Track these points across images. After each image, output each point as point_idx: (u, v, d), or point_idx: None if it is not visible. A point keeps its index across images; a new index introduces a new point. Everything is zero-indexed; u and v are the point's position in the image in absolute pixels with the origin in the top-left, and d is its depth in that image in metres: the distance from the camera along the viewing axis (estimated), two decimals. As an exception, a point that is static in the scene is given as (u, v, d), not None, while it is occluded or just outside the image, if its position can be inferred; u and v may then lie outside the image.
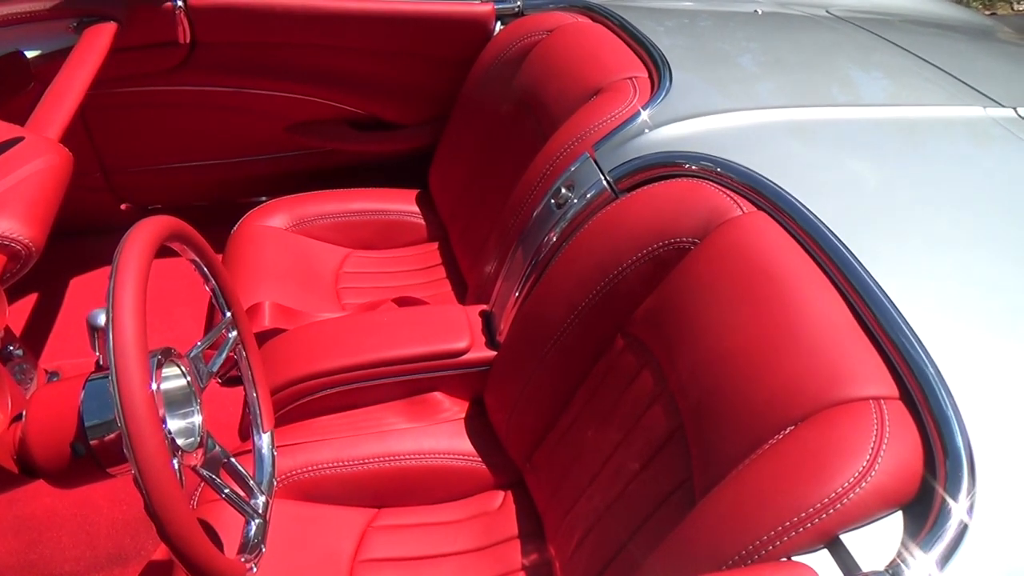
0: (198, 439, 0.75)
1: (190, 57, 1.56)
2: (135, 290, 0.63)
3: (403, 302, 1.42)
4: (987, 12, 3.76)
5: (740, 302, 0.83)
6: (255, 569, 0.76)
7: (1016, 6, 3.88)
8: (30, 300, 1.65)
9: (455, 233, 1.59)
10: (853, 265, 0.80)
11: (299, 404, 1.17)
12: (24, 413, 0.72)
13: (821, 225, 0.84)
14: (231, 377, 1.34)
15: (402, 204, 1.68)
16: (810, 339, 0.75)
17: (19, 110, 1.15)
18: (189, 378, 0.77)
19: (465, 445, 1.17)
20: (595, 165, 1.08)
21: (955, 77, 1.23)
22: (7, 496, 1.18)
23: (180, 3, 1.47)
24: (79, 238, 1.72)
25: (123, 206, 1.82)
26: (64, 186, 1.02)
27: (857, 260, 0.80)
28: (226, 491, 0.76)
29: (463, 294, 1.50)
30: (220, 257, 0.92)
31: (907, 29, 1.58)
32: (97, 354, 0.81)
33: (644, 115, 1.12)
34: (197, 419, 0.76)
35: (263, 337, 1.32)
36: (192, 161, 1.76)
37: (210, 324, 1.52)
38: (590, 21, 1.43)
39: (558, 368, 1.06)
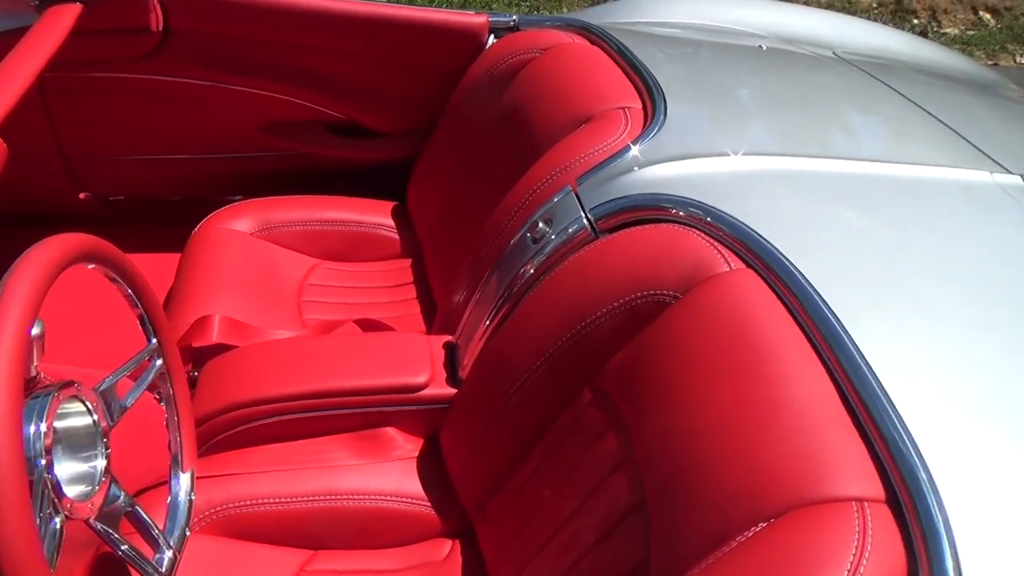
0: (96, 487, 0.67)
1: (162, 45, 1.47)
2: (15, 327, 0.54)
3: (366, 325, 1.33)
4: (990, 63, 3.74)
5: (718, 370, 0.76)
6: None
7: (1019, 59, 3.87)
8: None
9: (429, 252, 1.51)
10: (843, 339, 0.72)
11: (238, 431, 1.08)
12: None
13: (812, 291, 0.77)
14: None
15: (377, 216, 1.60)
16: (791, 422, 0.68)
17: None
18: (95, 416, 0.68)
19: (415, 487, 1.08)
20: (577, 200, 1.00)
21: (961, 136, 1.17)
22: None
23: (154, -13, 1.38)
24: (33, 227, 1.62)
25: (82, 195, 1.72)
26: None
27: (847, 334, 0.73)
28: (123, 548, 0.68)
29: (432, 317, 1.42)
30: (142, 277, 0.82)
31: (914, 79, 1.52)
32: None
33: (634, 150, 1.04)
34: (100, 463, 0.68)
35: (209, 353, 1.23)
36: (158, 154, 1.67)
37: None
38: (587, 43, 1.36)
39: (520, 414, 0.98)
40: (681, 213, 0.90)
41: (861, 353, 0.70)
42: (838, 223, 0.93)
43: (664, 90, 1.14)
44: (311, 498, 1.04)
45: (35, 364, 0.72)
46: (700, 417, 0.74)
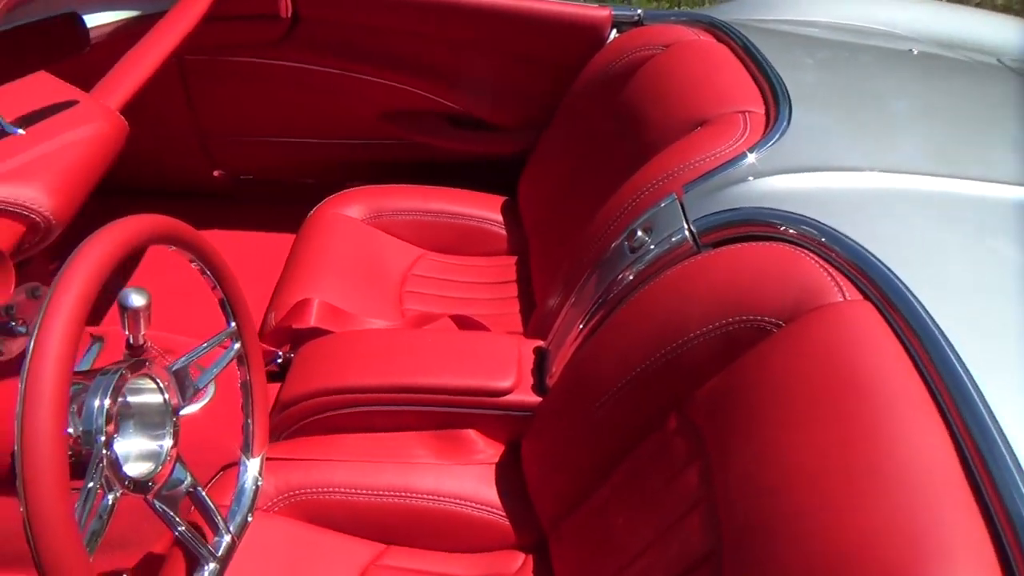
0: (160, 465, 0.67)
1: (291, 32, 1.51)
2: (76, 300, 0.55)
3: (461, 322, 1.31)
4: None
5: (818, 414, 0.67)
6: (189, 629, 0.68)
7: None
8: None
9: (535, 251, 1.47)
10: (971, 396, 0.62)
11: (323, 417, 1.09)
12: None
13: (940, 335, 0.67)
14: (268, 372, 1.28)
15: (486, 211, 1.58)
16: (898, 486, 0.59)
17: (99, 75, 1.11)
18: (167, 395, 0.69)
19: (491, 494, 1.05)
20: (680, 209, 0.93)
21: None
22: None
23: (284, -25, 1.42)
24: (169, 200, 1.73)
25: (216, 172, 1.81)
26: (111, 157, 0.97)
27: (978, 390, 0.62)
28: (180, 529, 0.68)
29: (530, 318, 1.38)
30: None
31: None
32: (127, 334, 0.75)
33: (751, 159, 0.96)
34: (167, 443, 0.68)
35: (307, 335, 1.25)
36: (284, 137, 1.73)
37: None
38: (713, 40, 1.27)
39: (603, 433, 0.93)
40: (791, 231, 0.81)
41: (993, 415, 0.60)
42: (986, 260, 0.80)
43: (791, 95, 1.04)
44: (387, 493, 1.03)
45: (142, 333, 0.75)
46: (791, 466, 0.66)
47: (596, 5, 1.45)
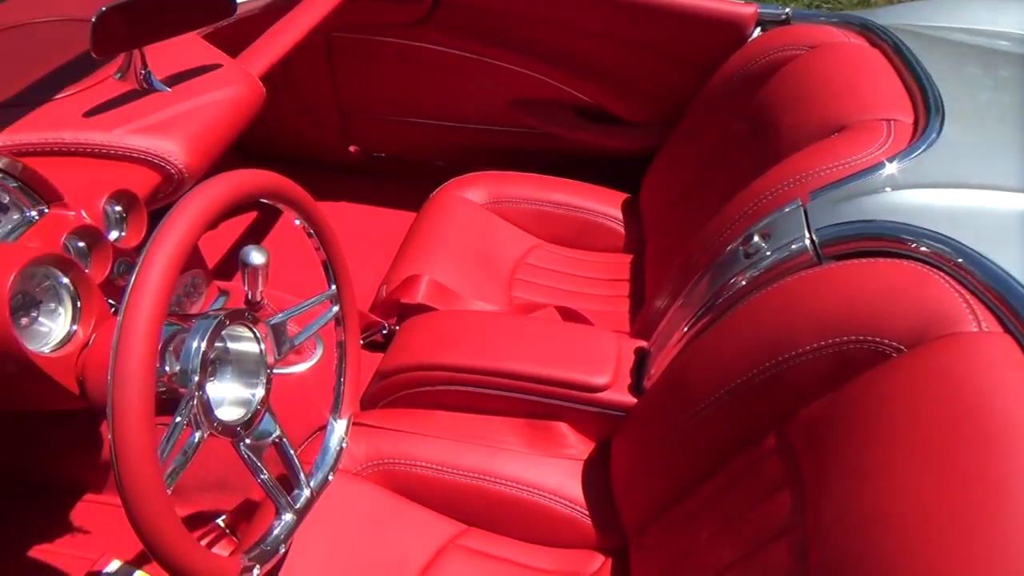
0: (251, 413, 0.70)
1: (432, 14, 1.54)
2: (178, 242, 0.58)
3: (565, 313, 1.30)
4: None
5: (939, 452, 0.60)
6: (258, 572, 0.70)
7: None
8: (244, 219, 1.77)
9: (651, 250, 1.43)
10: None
11: (419, 391, 1.11)
12: (93, 338, 0.72)
13: (1091, 381, 0.59)
14: (372, 342, 1.32)
15: (606, 206, 1.55)
16: (1021, 544, 0.52)
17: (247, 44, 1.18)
18: (263, 346, 0.72)
19: (575, 491, 1.03)
20: (803, 217, 0.87)
21: None
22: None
23: (426, -42, 1.45)
24: (304, 169, 1.82)
25: (351, 148, 1.88)
26: (247, 120, 1.02)
27: None
28: (263, 476, 0.71)
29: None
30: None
31: None
32: (245, 289, 0.80)
33: (890, 168, 0.88)
34: (259, 392, 0.71)
35: (414, 310, 1.28)
36: (418, 118, 1.77)
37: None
38: (865, 44, 1.18)
39: (696, 442, 0.89)
40: (923, 248, 0.73)
41: None
42: None
43: (947, 109, 0.95)
44: (471, 474, 1.04)
45: (260, 290, 0.79)
46: (895, 502, 0.60)
47: (742, 2, 1.39)
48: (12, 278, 0.62)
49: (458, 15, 1.54)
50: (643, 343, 1.11)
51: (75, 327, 0.71)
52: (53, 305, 0.70)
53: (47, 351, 0.68)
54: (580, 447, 1.08)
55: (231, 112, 0.98)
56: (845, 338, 0.72)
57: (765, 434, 0.80)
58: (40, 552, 1.15)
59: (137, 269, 0.56)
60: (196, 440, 0.64)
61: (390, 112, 1.78)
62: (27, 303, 0.68)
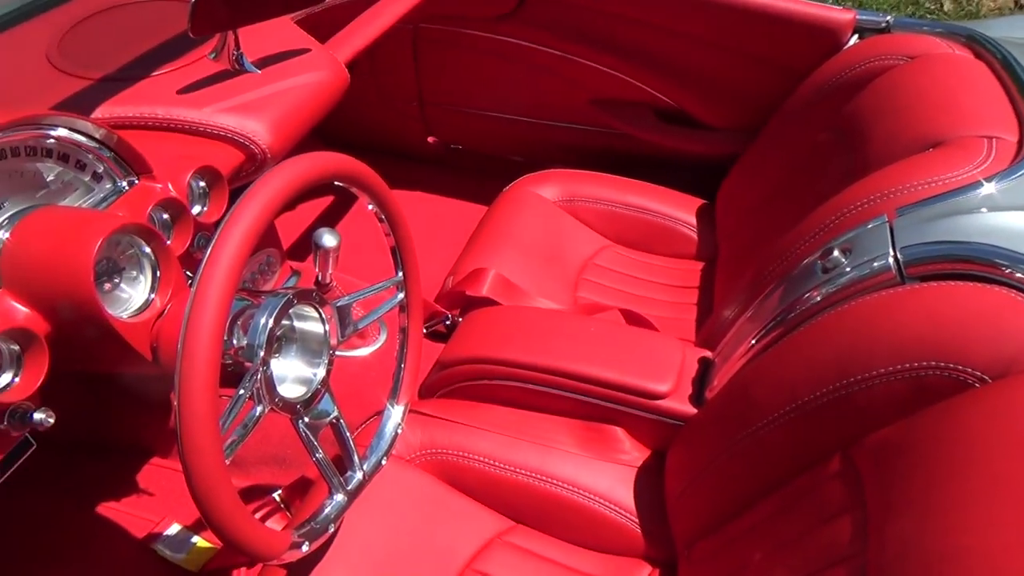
0: (311, 392, 0.71)
1: (519, 8, 1.54)
2: (252, 219, 0.59)
3: (630, 317, 1.28)
4: None
5: (1017, 492, 0.57)
6: (307, 548, 0.71)
7: None
8: (320, 202, 1.81)
9: (723, 259, 1.40)
10: None
11: (476, 384, 1.11)
12: (168, 307, 0.74)
13: None
14: (434, 332, 1.33)
15: (681, 211, 1.52)
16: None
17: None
18: (327, 327, 0.73)
19: (627, 498, 1.01)
20: (889, 233, 0.83)
21: None
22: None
23: (517, -47, 1.45)
24: (382, 157, 1.85)
25: (430, 139, 1.91)
26: (330, 105, 1.04)
27: None
28: (318, 455, 0.72)
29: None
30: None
31: None
32: (316, 270, 0.82)
33: (988, 188, 0.83)
34: (320, 372, 0.72)
35: (478, 303, 1.28)
36: (498, 111, 1.78)
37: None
38: (970, 56, 1.12)
39: (755, 459, 0.86)
40: (1019, 275, 0.69)
41: None
42: None
43: (1057, 124, 0.89)
44: (523, 472, 1.03)
45: (330, 272, 0.80)
46: (965, 541, 0.56)
47: (841, 8, 1.34)
48: (99, 244, 0.65)
49: (545, 11, 1.54)
50: (708, 353, 1.09)
51: (153, 295, 0.73)
52: (135, 273, 0.73)
53: (125, 316, 0.71)
54: (635, 453, 1.06)
55: (316, 97, 1.00)
56: (924, 363, 0.69)
57: (829, 457, 0.77)
58: (106, 510, 1.21)
59: (212, 244, 0.58)
60: (257, 414, 0.66)
61: (471, 105, 1.79)
62: (110, 269, 0.71)
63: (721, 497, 0.90)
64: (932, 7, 3.09)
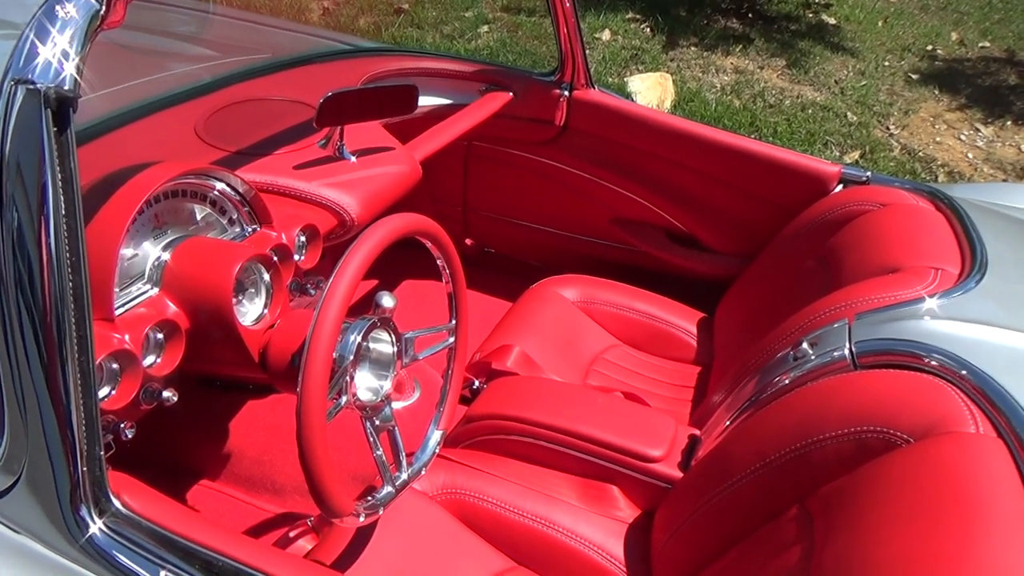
0: (377, 399, 0.90)
1: (559, 137, 1.82)
2: (364, 256, 0.80)
3: (631, 398, 1.46)
4: None
5: (923, 521, 0.73)
6: (362, 519, 0.87)
7: None
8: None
9: (718, 364, 1.58)
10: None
11: (496, 438, 1.28)
12: (277, 322, 0.94)
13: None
14: (461, 396, 1.50)
15: (684, 321, 1.72)
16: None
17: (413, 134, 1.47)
18: (395, 348, 0.92)
19: (618, 550, 1.16)
20: (847, 332, 1.03)
21: None
22: (273, 401, 1.47)
23: (566, 93, 1.74)
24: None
25: (468, 240, 2.15)
26: (405, 191, 1.29)
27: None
28: (377, 452, 0.89)
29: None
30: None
31: None
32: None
33: (929, 303, 1.04)
34: (386, 385, 0.91)
35: (499, 374, 1.47)
36: (530, 222, 2.02)
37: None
38: (932, 208, 1.36)
39: (726, 512, 1.02)
40: (933, 363, 0.88)
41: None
42: None
43: (990, 262, 1.11)
44: (530, 517, 1.18)
45: (392, 306, 1.00)
46: (884, 552, 0.72)
47: (830, 161, 1.60)
48: (240, 265, 0.87)
49: (581, 141, 1.81)
50: (696, 431, 1.26)
51: (265, 311, 0.94)
52: (253, 291, 0.94)
53: (245, 324, 0.91)
54: (628, 511, 1.21)
55: (396, 184, 1.25)
56: (865, 428, 0.87)
57: (788, 506, 0.93)
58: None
59: (329, 283, 0.79)
60: (342, 403, 0.84)
61: (507, 214, 2.04)
62: (237, 288, 0.92)
63: (697, 547, 1.05)
64: (927, 179, 3.44)
